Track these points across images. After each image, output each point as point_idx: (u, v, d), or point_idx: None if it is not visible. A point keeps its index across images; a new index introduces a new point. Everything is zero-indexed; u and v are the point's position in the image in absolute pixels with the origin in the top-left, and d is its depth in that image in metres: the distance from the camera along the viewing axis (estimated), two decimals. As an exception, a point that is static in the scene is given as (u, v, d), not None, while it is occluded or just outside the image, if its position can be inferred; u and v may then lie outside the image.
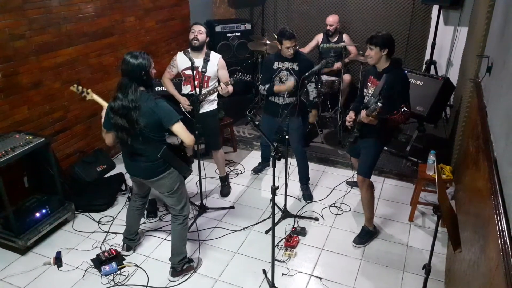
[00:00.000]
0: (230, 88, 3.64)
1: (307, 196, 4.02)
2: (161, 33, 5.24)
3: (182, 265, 3.03)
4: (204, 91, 3.68)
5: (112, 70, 4.49)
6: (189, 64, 3.41)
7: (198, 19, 5.77)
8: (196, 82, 3.46)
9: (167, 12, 5.30)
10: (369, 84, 3.20)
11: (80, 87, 3.21)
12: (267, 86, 3.77)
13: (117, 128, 2.61)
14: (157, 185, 2.84)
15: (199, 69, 3.61)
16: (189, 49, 3.60)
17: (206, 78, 3.69)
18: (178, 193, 2.89)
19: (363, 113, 3.01)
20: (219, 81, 3.78)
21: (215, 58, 3.71)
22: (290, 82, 3.64)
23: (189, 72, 3.63)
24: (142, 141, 2.63)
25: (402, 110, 2.92)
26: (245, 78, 3.60)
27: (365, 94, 3.24)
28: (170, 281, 3.01)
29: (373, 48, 3.01)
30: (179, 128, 2.60)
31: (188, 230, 3.11)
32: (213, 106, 3.84)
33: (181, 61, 3.75)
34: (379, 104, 2.85)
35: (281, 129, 3.81)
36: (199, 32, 3.58)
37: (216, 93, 3.76)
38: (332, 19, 5.15)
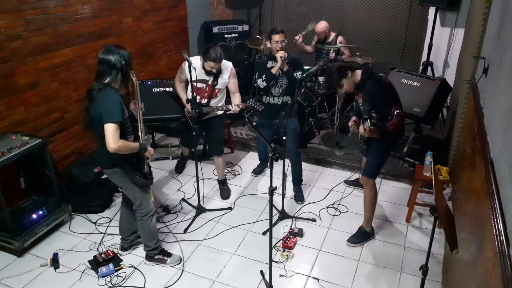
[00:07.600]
0: (240, 107, 3.67)
1: (299, 197, 4.02)
2: (158, 34, 5.23)
3: (153, 255, 3.15)
4: (212, 102, 3.70)
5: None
6: (199, 76, 3.47)
7: (195, 20, 5.78)
8: (205, 94, 3.50)
9: (164, 13, 5.29)
10: (356, 96, 3.28)
11: None
12: (264, 75, 3.73)
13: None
14: (109, 176, 2.91)
15: (210, 82, 3.64)
16: (188, 54, 3.56)
17: (216, 90, 3.71)
18: (130, 192, 2.93)
19: (361, 129, 3.07)
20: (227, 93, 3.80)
21: (227, 70, 3.71)
22: (281, 52, 3.61)
23: (200, 85, 3.65)
24: (94, 131, 2.71)
25: (395, 113, 2.97)
26: (258, 108, 3.56)
27: (358, 102, 3.31)
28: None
29: (342, 82, 3.10)
30: (109, 129, 2.52)
31: (152, 228, 3.09)
32: (220, 112, 3.85)
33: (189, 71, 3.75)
34: (373, 121, 2.95)
35: (279, 130, 3.81)
36: (217, 67, 3.57)
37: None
38: (320, 28, 5.00)
